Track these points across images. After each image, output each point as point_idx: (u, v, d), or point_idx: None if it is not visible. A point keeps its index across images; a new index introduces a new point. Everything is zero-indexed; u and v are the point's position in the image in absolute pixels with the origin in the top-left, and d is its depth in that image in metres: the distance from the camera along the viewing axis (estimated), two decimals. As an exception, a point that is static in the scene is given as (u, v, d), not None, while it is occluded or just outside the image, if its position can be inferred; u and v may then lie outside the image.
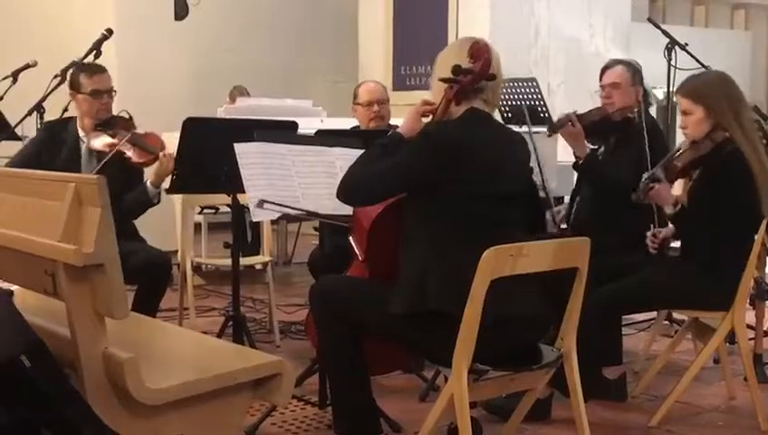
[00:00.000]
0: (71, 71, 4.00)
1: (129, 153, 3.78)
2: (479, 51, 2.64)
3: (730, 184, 3.20)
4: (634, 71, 3.87)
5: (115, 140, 3.77)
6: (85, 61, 4.19)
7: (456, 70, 2.63)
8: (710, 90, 3.24)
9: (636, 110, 3.82)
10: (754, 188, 3.18)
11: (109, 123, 3.86)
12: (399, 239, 2.69)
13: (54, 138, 3.86)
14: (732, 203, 3.19)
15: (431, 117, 2.74)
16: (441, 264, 2.55)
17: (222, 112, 5.81)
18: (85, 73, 3.87)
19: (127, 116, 3.84)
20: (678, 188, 3.49)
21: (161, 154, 3.71)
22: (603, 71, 3.94)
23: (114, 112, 3.91)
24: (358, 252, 2.88)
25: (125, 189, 3.75)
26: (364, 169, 2.68)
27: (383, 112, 4.39)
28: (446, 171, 2.56)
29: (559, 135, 3.96)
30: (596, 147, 3.93)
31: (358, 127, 4.50)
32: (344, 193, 2.72)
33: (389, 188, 2.66)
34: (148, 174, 3.91)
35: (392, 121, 4.49)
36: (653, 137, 3.72)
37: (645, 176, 3.34)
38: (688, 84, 3.37)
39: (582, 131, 3.76)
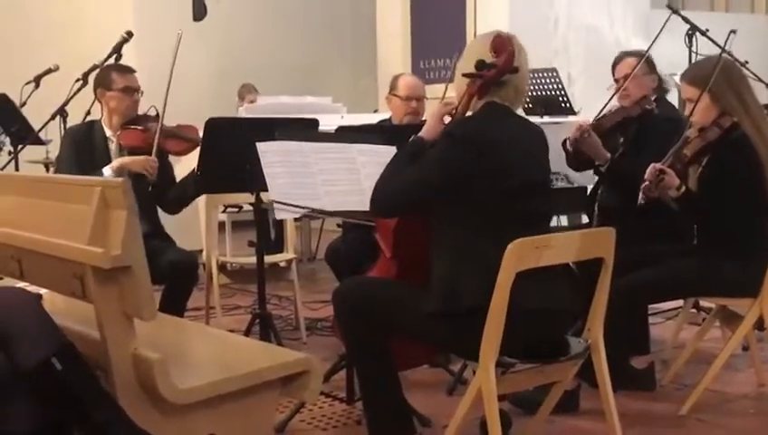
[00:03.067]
0: (99, 70, 4.05)
1: (166, 144, 3.83)
2: (502, 44, 2.62)
3: (738, 169, 3.18)
4: (645, 60, 3.82)
5: (149, 134, 3.80)
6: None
7: (480, 65, 2.62)
8: (709, 73, 3.21)
9: (654, 98, 3.79)
10: (761, 174, 3.16)
11: (137, 121, 3.90)
12: (430, 238, 2.67)
13: (81, 141, 3.89)
14: (741, 189, 3.17)
15: (453, 114, 2.74)
16: (472, 263, 2.55)
17: (243, 112, 5.83)
18: (117, 72, 3.94)
19: (155, 112, 3.88)
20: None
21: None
22: (614, 66, 3.92)
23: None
24: (384, 249, 2.87)
25: (160, 184, 3.80)
26: (392, 182, 2.66)
27: (419, 109, 4.37)
28: (474, 168, 2.55)
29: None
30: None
31: (389, 119, 4.49)
32: (376, 208, 2.71)
33: (422, 197, 2.63)
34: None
35: (425, 117, 4.48)
36: (672, 129, 3.58)
37: (651, 170, 3.17)
38: (691, 73, 3.37)
39: (599, 141, 3.68)
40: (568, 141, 3.73)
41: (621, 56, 3.93)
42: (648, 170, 3.18)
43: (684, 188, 3.18)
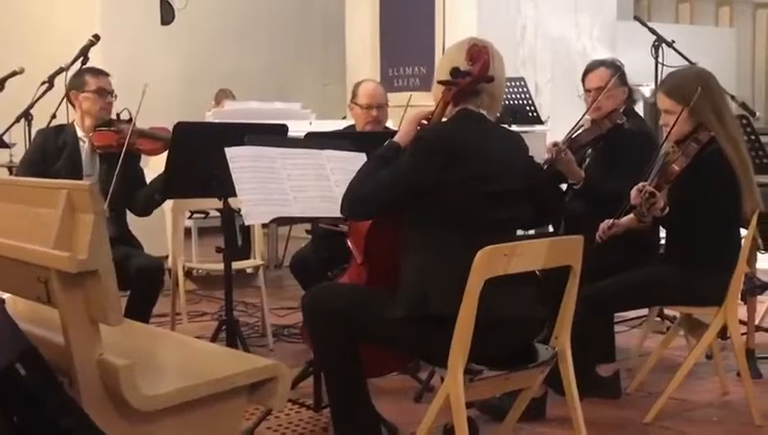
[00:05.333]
0: (74, 73, 4.03)
1: (138, 143, 3.82)
2: (478, 53, 2.63)
3: (711, 183, 3.20)
4: (617, 71, 3.77)
5: (122, 135, 3.79)
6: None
7: (454, 72, 2.63)
8: (691, 89, 3.21)
9: (623, 110, 3.76)
10: (735, 187, 3.18)
11: (111, 123, 3.91)
12: (399, 244, 2.68)
13: (51, 143, 3.87)
14: (713, 201, 3.19)
15: (428, 121, 2.74)
16: (441, 267, 2.55)
17: (210, 116, 5.80)
18: (90, 74, 3.95)
19: (128, 116, 3.88)
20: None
21: None
22: (585, 74, 3.84)
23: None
24: (356, 255, 2.87)
25: (129, 187, 3.79)
26: (365, 184, 2.66)
27: (380, 117, 4.31)
28: (445, 173, 2.56)
29: (548, 133, 3.95)
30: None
31: (353, 126, 4.46)
32: (348, 209, 2.71)
33: (393, 200, 2.64)
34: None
35: (388, 124, 4.47)
36: (643, 143, 3.63)
37: (638, 193, 3.14)
38: (669, 83, 3.35)
39: (573, 159, 3.64)
40: (549, 160, 3.65)
41: (593, 65, 3.85)
42: (633, 194, 3.15)
43: (668, 209, 3.17)
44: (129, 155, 3.75)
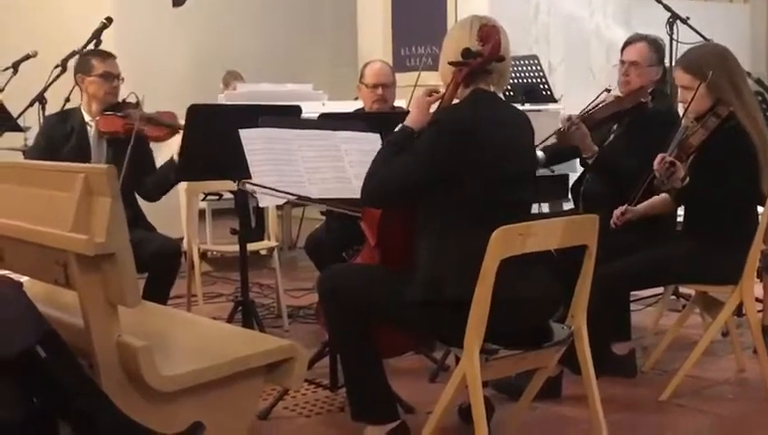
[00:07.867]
0: (80, 56, 4.01)
1: (146, 129, 3.79)
2: (489, 33, 2.62)
3: (731, 158, 3.19)
4: (657, 49, 3.76)
5: (128, 120, 3.77)
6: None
7: (466, 53, 2.61)
8: (710, 65, 3.21)
9: (650, 90, 3.72)
10: (755, 163, 3.17)
11: (117, 107, 3.88)
12: (414, 227, 2.68)
13: (59, 128, 3.87)
14: (733, 177, 3.19)
15: (439, 102, 2.73)
16: (457, 251, 2.55)
17: (223, 98, 5.79)
18: (97, 57, 3.91)
19: (135, 100, 3.85)
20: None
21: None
22: (625, 45, 3.82)
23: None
24: (369, 237, 2.87)
25: (138, 171, 3.77)
26: (382, 171, 2.65)
27: (387, 96, 4.33)
28: (464, 155, 2.55)
29: (561, 111, 3.93)
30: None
31: (363, 109, 4.47)
32: (368, 198, 2.70)
33: (413, 185, 2.62)
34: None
35: (396, 103, 4.47)
36: (661, 124, 3.57)
37: (659, 162, 3.14)
38: (687, 59, 3.35)
39: (588, 133, 3.63)
40: (560, 134, 3.67)
41: (635, 38, 3.82)
42: (656, 162, 3.15)
43: (688, 179, 3.17)
44: (137, 139, 3.72)
